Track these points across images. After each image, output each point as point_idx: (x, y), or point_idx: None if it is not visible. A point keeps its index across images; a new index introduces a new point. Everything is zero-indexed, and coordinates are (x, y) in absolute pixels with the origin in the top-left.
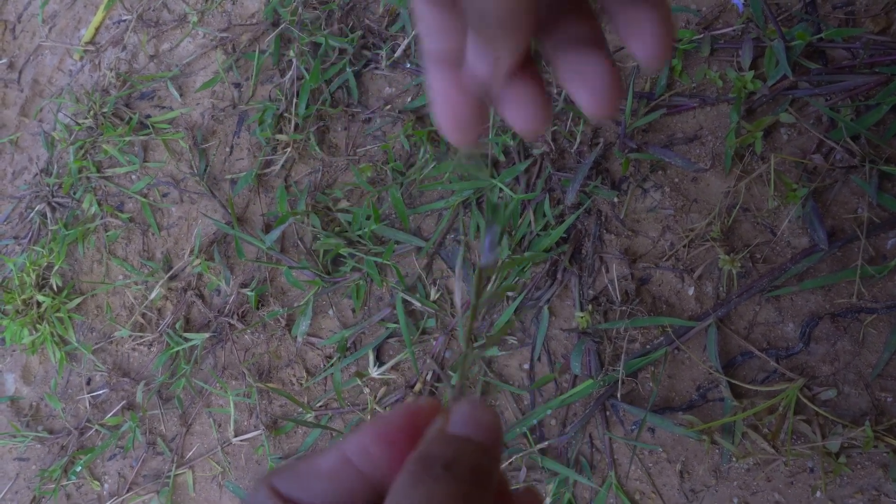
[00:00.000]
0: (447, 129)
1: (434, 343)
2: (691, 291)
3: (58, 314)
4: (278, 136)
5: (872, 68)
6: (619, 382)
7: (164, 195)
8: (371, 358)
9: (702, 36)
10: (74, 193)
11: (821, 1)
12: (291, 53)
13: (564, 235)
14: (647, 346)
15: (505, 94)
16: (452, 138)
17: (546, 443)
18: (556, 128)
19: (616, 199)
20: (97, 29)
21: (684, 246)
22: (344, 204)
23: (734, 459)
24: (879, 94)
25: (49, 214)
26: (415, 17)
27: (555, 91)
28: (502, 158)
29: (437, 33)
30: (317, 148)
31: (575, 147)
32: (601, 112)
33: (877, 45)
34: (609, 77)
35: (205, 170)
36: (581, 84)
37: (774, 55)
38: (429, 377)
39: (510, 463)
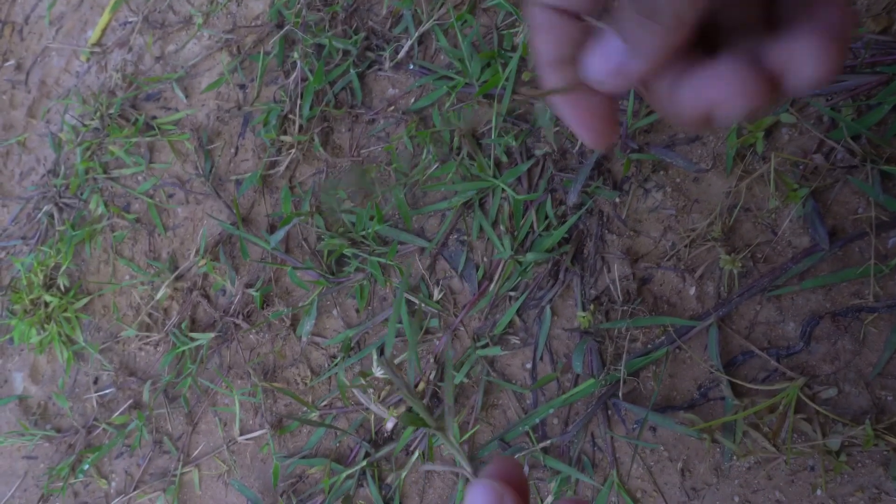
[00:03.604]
0: (583, 130)
1: (437, 343)
2: (692, 291)
3: (65, 314)
4: (283, 138)
5: (874, 68)
6: (621, 382)
7: (170, 196)
8: (374, 357)
9: None
10: (81, 194)
11: None
12: (296, 55)
13: (566, 236)
14: (649, 346)
15: (572, 106)
16: (589, 140)
17: (548, 441)
18: (557, 128)
19: (618, 200)
20: (103, 30)
21: (686, 246)
22: (348, 204)
23: (735, 458)
24: (880, 94)
25: (56, 215)
26: (531, 26)
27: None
28: (504, 159)
29: (557, 41)
30: (321, 149)
31: (577, 147)
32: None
33: (878, 45)
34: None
35: (210, 171)
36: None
37: None
38: (432, 376)
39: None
